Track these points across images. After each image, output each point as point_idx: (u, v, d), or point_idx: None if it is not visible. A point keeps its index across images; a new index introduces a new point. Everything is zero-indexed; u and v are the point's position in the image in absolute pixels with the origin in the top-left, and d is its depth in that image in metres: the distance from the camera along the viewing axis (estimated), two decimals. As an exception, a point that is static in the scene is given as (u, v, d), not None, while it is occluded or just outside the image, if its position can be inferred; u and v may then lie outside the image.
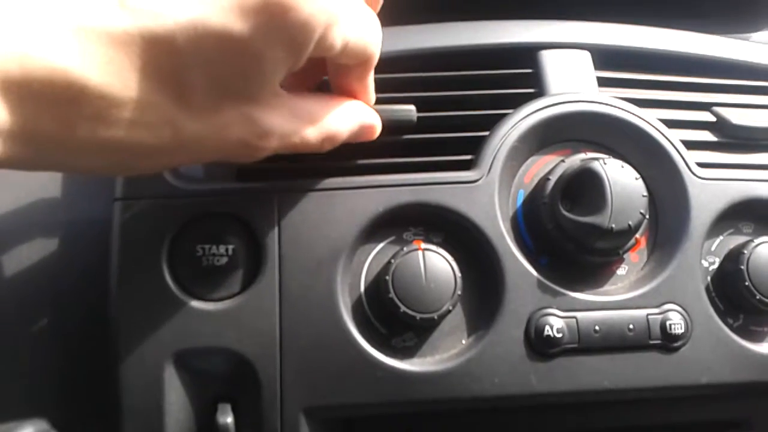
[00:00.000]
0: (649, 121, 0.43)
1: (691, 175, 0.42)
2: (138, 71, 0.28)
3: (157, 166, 0.33)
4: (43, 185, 0.44)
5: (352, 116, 0.38)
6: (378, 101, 0.41)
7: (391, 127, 0.41)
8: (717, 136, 0.46)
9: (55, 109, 0.26)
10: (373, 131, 0.39)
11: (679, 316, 0.40)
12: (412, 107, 0.42)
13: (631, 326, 0.39)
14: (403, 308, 0.37)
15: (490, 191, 0.40)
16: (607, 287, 0.41)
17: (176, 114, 0.30)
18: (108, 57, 0.27)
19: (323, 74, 0.39)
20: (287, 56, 0.31)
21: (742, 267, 0.40)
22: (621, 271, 0.42)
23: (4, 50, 0.25)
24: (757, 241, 0.41)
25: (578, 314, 0.39)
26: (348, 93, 0.38)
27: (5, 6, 0.25)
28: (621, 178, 0.39)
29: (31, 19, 0.26)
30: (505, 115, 0.43)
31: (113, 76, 0.27)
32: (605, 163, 0.39)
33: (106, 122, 0.28)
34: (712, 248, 0.43)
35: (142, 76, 0.28)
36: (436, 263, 0.38)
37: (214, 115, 0.31)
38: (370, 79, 0.39)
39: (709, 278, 0.42)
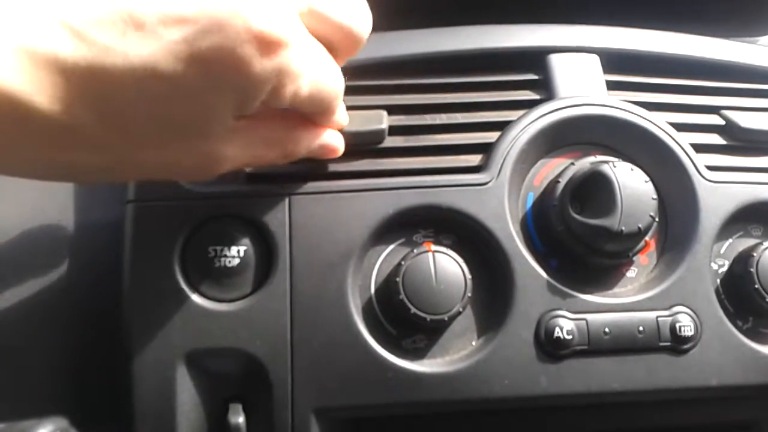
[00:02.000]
0: (659, 124, 0.44)
1: (701, 178, 0.43)
2: (84, 102, 0.28)
3: (106, 181, 0.33)
4: (55, 188, 0.44)
5: (313, 138, 0.38)
6: (391, 104, 0.41)
7: (360, 142, 0.41)
8: (726, 140, 0.46)
9: None
10: (335, 152, 0.39)
11: (689, 319, 0.40)
12: (382, 126, 0.42)
13: (640, 328, 0.39)
14: (413, 309, 0.37)
15: (500, 194, 0.41)
16: (616, 289, 0.41)
17: (122, 145, 0.30)
18: (54, 83, 0.27)
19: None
20: (236, 105, 0.31)
21: (752, 269, 0.40)
22: (631, 273, 0.42)
23: None
24: (766, 243, 0.41)
25: (588, 316, 0.39)
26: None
27: None
28: (630, 181, 0.39)
29: None
30: (514, 118, 0.43)
31: (58, 102, 0.27)
32: (615, 166, 0.39)
33: (49, 144, 0.28)
34: (722, 251, 0.43)
35: (88, 107, 0.28)
36: (447, 265, 0.38)
37: (161, 149, 0.31)
38: (340, 109, 0.38)
39: (718, 281, 0.42)
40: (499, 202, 0.40)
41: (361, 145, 0.41)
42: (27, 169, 0.30)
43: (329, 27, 0.34)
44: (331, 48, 0.34)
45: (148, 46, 0.28)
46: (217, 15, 0.28)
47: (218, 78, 0.29)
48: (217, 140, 0.32)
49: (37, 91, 0.26)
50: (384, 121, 0.42)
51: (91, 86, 0.27)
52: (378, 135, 0.42)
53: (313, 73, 0.33)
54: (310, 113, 0.36)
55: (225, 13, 0.28)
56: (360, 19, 0.34)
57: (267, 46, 0.29)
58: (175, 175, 0.33)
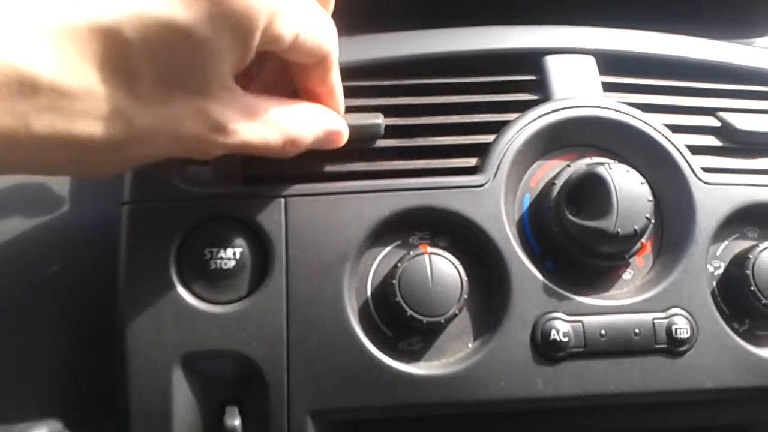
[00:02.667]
0: (654, 126, 0.44)
1: (696, 179, 0.43)
2: (88, 63, 0.28)
3: (113, 163, 0.33)
4: (51, 188, 0.44)
5: (316, 120, 0.38)
6: (387, 106, 0.41)
7: (359, 137, 0.41)
8: (722, 141, 0.46)
9: (7, 103, 0.27)
10: (340, 137, 0.39)
11: (685, 321, 0.40)
12: (378, 121, 0.42)
13: (636, 330, 0.39)
14: (409, 312, 0.37)
15: (496, 195, 0.41)
16: (612, 291, 0.41)
17: (127, 105, 0.30)
18: (58, 50, 0.27)
19: (293, 87, 0.39)
20: (234, 45, 0.31)
21: (748, 272, 0.40)
22: (627, 275, 0.42)
23: None
24: (762, 245, 0.41)
25: (584, 318, 0.39)
26: (313, 97, 0.38)
27: None
28: (626, 182, 0.39)
29: None
30: (510, 119, 0.43)
31: (64, 68, 0.28)
32: (611, 168, 0.39)
33: (60, 115, 0.28)
34: (718, 253, 0.43)
35: (92, 68, 0.28)
36: (443, 267, 0.38)
37: (164, 107, 0.31)
38: (335, 81, 0.38)
39: (714, 283, 0.42)
40: (495, 204, 0.40)
41: (358, 140, 0.41)
42: (37, 152, 0.29)
43: None
44: None
45: None
46: None
47: (211, 13, 0.30)
48: (217, 100, 0.32)
49: (42, 60, 0.27)
50: (380, 117, 0.42)
51: (93, 46, 0.28)
52: (374, 130, 0.42)
53: (306, 12, 0.34)
54: (313, 65, 0.36)
55: None
56: None
57: None
58: (178, 146, 0.33)
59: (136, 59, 0.29)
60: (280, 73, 0.39)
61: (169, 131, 0.32)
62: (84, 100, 0.29)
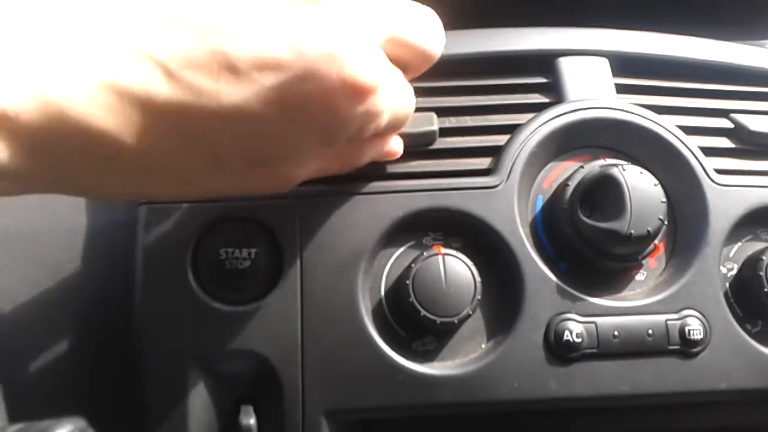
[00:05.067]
0: (668, 127, 0.44)
1: (710, 181, 0.43)
2: (172, 140, 0.28)
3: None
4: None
5: (379, 151, 0.39)
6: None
7: (414, 143, 0.42)
8: (735, 143, 0.46)
9: (84, 163, 0.27)
10: (395, 156, 0.40)
11: (698, 322, 0.40)
12: (434, 126, 0.42)
13: (650, 332, 0.39)
14: (423, 312, 0.37)
15: (509, 197, 0.41)
16: (626, 293, 0.41)
17: (204, 176, 0.30)
18: (144, 123, 0.26)
19: None
20: (320, 143, 0.31)
21: (761, 273, 0.40)
22: (640, 276, 0.42)
23: (26, 94, 0.24)
24: (775, 247, 0.41)
25: (597, 319, 0.39)
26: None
27: (39, 44, 0.24)
28: (640, 184, 0.39)
29: (70, 71, 0.25)
30: (524, 121, 0.43)
31: (147, 140, 0.27)
32: (624, 170, 0.39)
33: (136, 179, 0.29)
34: (731, 254, 0.43)
35: (176, 145, 0.28)
36: (456, 268, 0.38)
37: (241, 177, 0.31)
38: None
39: (727, 284, 0.42)
40: (509, 205, 0.41)
41: (413, 146, 0.42)
42: (108, 196, 0.30)
43: (409, 51, 0.34)
44: (405, 68, 0.35)
45: (241, 90, 0.27)
46: (311, 62, 0.28)
47: (308, 122, 0.30)
48: (294, 165, 0.33)
49: (127, 129, 0.26)
50: (435, 122, 0.42)
51: (182, 126, 0.27)
52: (430, 136, 0.42)
53: (394, 104, 0.33)
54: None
55: (320, 59, 0.28)
56: (436, 40, 0.35)
57: (359, 93, 0.29)
58: (245, 194, 0.34)
59: (222, 147, 0.29)
60: None
61: (239, 189, 0.33)
62: (163, 172, 0.29)
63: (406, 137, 0.41)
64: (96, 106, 0.25)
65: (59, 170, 0.27)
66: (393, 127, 0.36)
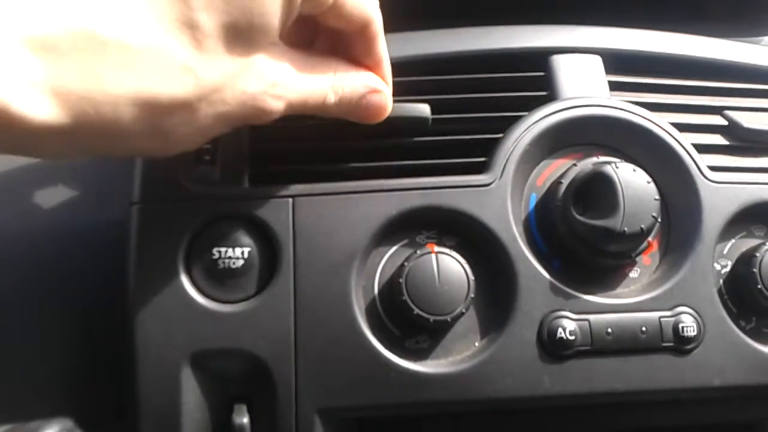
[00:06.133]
0: (661, 125, 0.44)
1: (703, 178, 0.43)
2: (154, 19, 0.30)
3: (184, 128, 0.33)
4: (61, 188, 0.44)
5: (364, 80, 0.38)
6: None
7: (405, 124, 0.42)
8: (728, 140, 0.46)
9: (79, 62, 0.28)
10: (384, 107, 0.40)
11: (692, 319, 0.40)
12: (425, 105, 0.42)
13: (643, 329, 0.39)
14: (416, 310, 0.37)
15: (502, 195, 0.41)
16: (619, 290, 0.41)
17: (193, 59, 0.31)
18: (122, 8, 0.29)
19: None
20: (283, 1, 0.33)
21: (755, 270, 0.41)
22: (633, 273, 0.42)
23: (29, 13, 0.27)
24: (769, 244, 0.41)
25: (591, 317, 0.39)
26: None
27: None
28: (633, 181, 0.39)
29: None
30: (517, 118, 0.43)
31: (131, 25, 0.29)
32: (617, 167, 0.39)
33: (130, 71, 0.29)
34: (725, 251, 0.43)
35: (159, 24, 0.30)
36: (449, 266, 0.38)
37: (227, 61, 0.32)
38: (382, 53, 0.39)
39: (721, 281, 0.42)
40: (502, 203, 0.41)
41: (404, 130, 0.42)
42: (114, 115, 0.30)
43: None
44: None
45: None
46: None
47: None
48: (270, 55, 0.34)
49: (110, 19, 0.29)
50: (428, 111, 0.42)
51: (159, 2, 0.30)
52: (421, 122, 0.42)
53: None
54: (356, 32, 0.37)
55: None
56: None
57: None
58: (244, 105, 0.33)
59: (197, 12, 0.31)
60: (330, 50, 0.39)
61: (234, 88, 0.33)
62: (152, 56, 0.30)
63: (396, 120, 0.41)
64: (80, 5, 0.28)
65: (61, 76, 0.28)
66: (356, 14, 0.36)
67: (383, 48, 0.39)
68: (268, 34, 0.33)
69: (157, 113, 0.31)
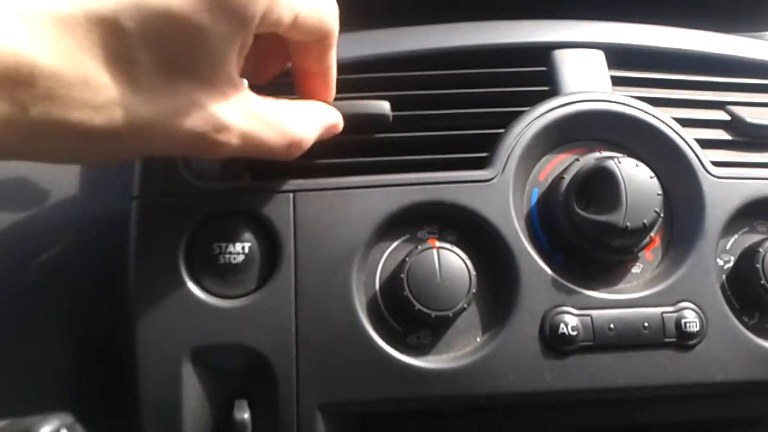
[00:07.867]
0: (664, 120, 0.43)
1: (706, 173, 0.42)
2: (86, 52, 0.28)
3: (112, 154, 0.32)
4: (60, 182, 0.44)
5: (316, 119, 0.38)
6: (395, 99, 0.41)
7: (365, 123, 0.41)
8: (731, 135, 0.46)
9: (6, 91, 0.27)
10: (336, 129, 0.39)
11: (694, 314, 0.40)
12: (385, 103, 0.42)
13: (646, 324, 0.39)
14: (417, 306, 0.37)
15: (504, 190, 0.41)
16: (621, 285, 0.41)
17: (127, 95, 0.29)
18: (56, 39, 0.27)
19: (286, 61, 0.40)
20: (233, 31, 0.31)
21: (758, 265, 0.40)
22: (636, 269, 0.42)
23: None
24: (772, 239, 0.41)
25: (593, 312, 0.39)
26: (308, 75, 0.39)
27: None
28: (636, 176, 0.39)
29: None
30: (519, 113, 0.43)
31: (62, 57, 0.28)
32: (620, 162, 0.39)
33: (58, 103, 0.28)
34: (727, 246, 0.43)
35: (91, 57, 0.28)
36: (451, 261, 0.38)
37: (165, 98, 0.30)
38: (332, 60, 0.38)
39: (724, 276, 0.42)
40: (504, 199, 0.40)
41: (365, 127, 0.41)
42: (38, 141, 0.29)
43: None
44: None
45: None
46: None
47: (213, 3, 0.30)
48: (220, 96, 0.32)
49: (40, 48, 0.27)
50: (387, 108, 0.42)
51: (91, 35, 0.28)
52: (382, 120, 0.42)
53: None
54: (313, 43, 0.36)
55: None
56: None
57: None
58: (179, 143, 0.32)
59: (134, 48, 0.29)
60: (272, 48, 0.39)
61: (170, 125, 0.31)
62: (82, 89, 0.28)
63: (353, 117, 0.40)
64: (8, 30, 0.26)
65: None
66: (314, 28, 0.35)
67: (333, 56, 0.38)
68: (216, 72, 0.32)
69: (82, 142, 0.30)
